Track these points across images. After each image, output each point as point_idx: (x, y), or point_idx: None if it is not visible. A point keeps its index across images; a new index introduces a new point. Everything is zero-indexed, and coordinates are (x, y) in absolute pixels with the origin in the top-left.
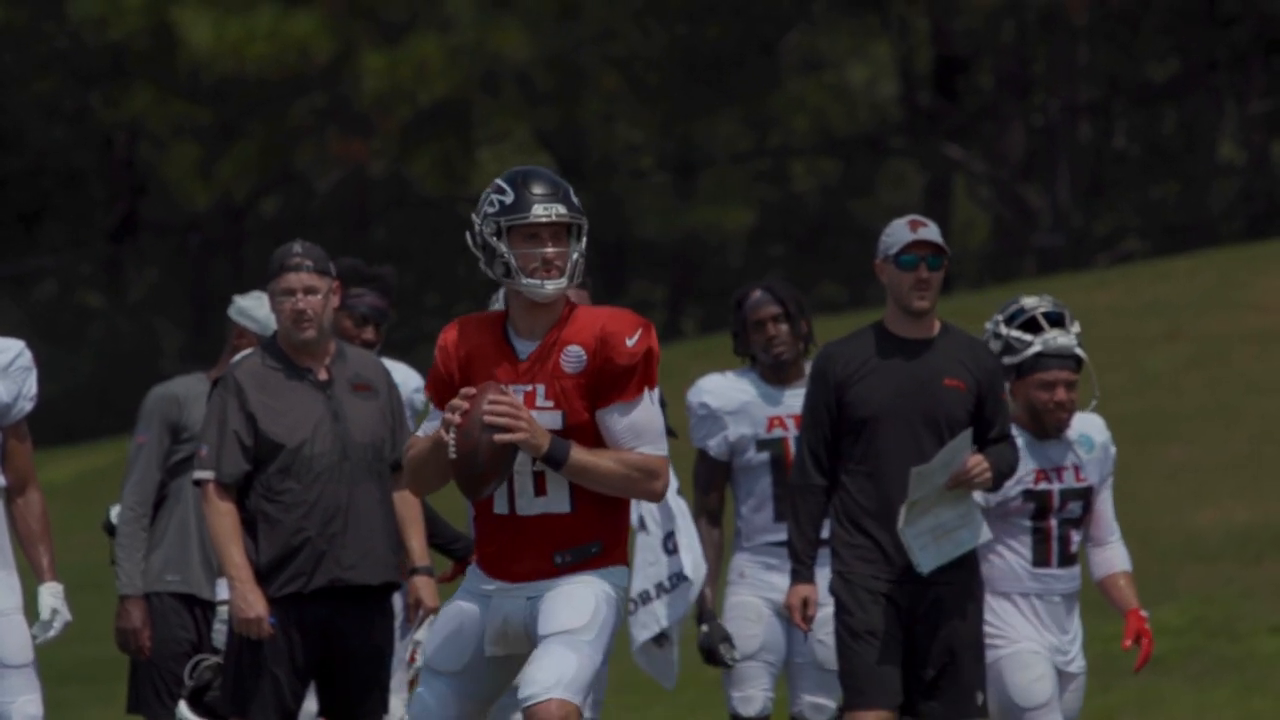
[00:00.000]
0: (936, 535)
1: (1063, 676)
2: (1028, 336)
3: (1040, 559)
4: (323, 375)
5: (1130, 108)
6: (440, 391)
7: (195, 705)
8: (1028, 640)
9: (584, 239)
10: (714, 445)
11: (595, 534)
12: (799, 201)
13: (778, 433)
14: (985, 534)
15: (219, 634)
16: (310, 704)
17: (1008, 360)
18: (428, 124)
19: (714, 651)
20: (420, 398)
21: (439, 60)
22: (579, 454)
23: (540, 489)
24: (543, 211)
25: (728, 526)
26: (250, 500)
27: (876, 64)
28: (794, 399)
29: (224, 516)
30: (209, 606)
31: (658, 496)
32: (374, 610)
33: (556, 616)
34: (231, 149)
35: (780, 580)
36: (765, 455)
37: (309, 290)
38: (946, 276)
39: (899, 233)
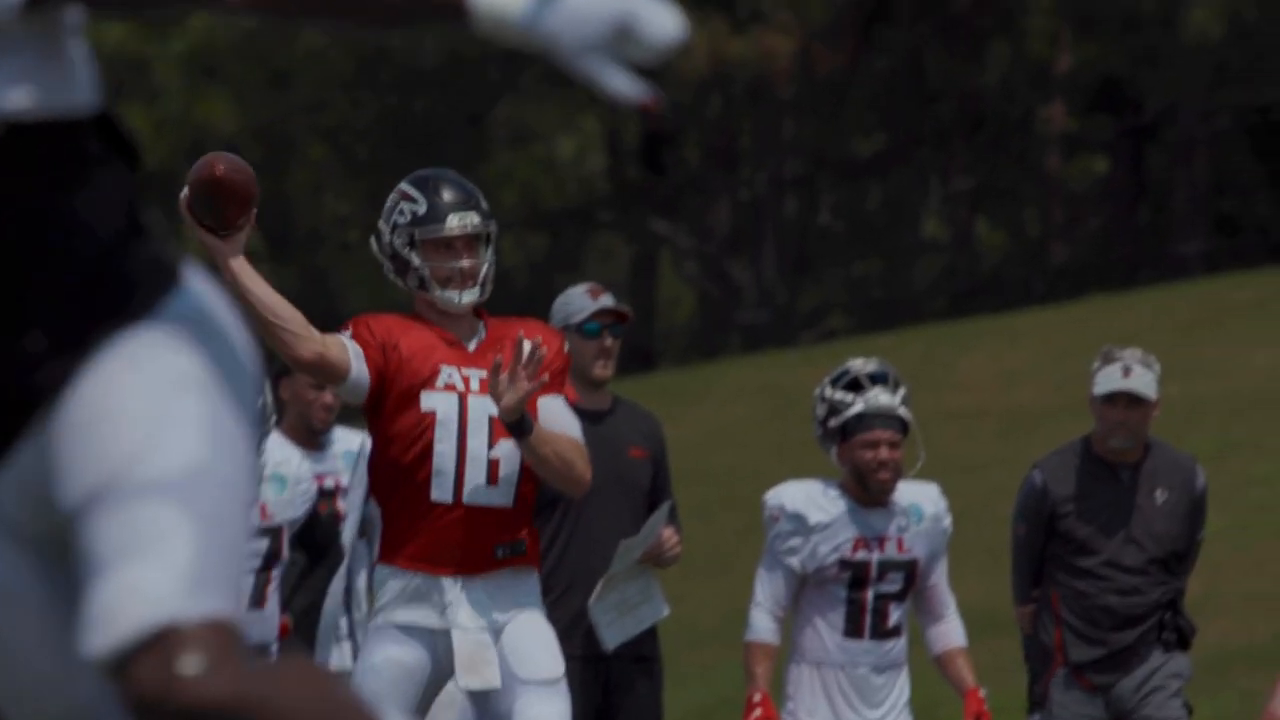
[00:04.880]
0: (621, 611)
1: None
2: (850, 397)
3: (852, 630)
4: None
5: (836, 183)
6: (368, 347)
7: None
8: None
9: (493, 245)
10: None
11: (525, 530)
12: (506, 276)
13: None
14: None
15: None
16: None
17: (832, 423)
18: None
19: None
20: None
21: (147, 131)
22: (540, 428)
23: (493, 479)
24: (457, 223)
25: None
26: None
27: (585, 137)
28: None
29: None
30: None
31: (585, 485)
32: None
33: (537, 661)
34: None
35: None
36: None
37: None
38: (650, 353)
39: (579, 301)
